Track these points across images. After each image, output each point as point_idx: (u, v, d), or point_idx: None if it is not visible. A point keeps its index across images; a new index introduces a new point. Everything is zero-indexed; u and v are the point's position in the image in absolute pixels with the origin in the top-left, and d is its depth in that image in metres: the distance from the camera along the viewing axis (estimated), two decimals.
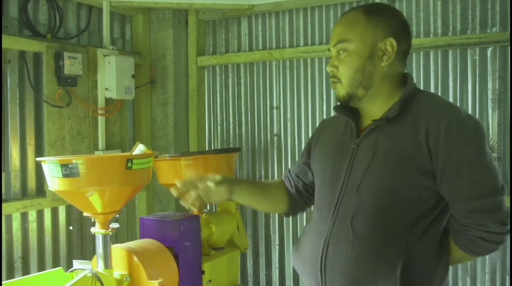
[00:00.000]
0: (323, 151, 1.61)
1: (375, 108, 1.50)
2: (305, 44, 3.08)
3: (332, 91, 3.00)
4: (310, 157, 1.70)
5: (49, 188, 1.90)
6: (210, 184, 1.55)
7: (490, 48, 2.59)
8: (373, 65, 1.46)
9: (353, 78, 1.46)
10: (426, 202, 1.41)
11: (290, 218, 3.14)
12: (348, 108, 1.57)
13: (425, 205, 1.41)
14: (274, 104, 3.20)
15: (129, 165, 1.85)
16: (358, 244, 1.41)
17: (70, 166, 1.79)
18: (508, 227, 1.37)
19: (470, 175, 1.36)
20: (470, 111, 2.64)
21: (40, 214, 2.67)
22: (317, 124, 2.57)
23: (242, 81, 3.30)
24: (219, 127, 3.40)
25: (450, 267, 2.69)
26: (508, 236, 1.40)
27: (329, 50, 1.54)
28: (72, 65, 2.66)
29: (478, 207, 1.36)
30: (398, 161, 1.39)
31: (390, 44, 1.45)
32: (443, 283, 1.47)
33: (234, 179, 1.84)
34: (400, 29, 1.49)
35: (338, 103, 1.58)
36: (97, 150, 2.91)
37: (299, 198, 1.78)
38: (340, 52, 1.47)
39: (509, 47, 2.54)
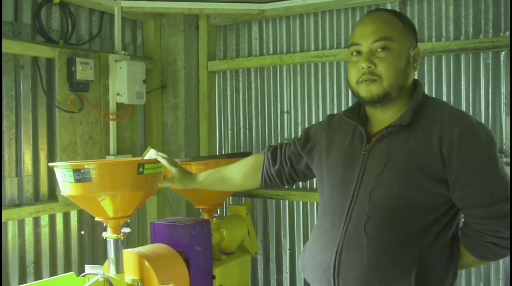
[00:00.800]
0: (332, 155, 1.59)
1: (388, 114, 1.50)
2: (316, 49, 3.07)
3: (343, 95, 2.99)
4: (313, 154, 1.68)
5: (61, 193, 1.90)
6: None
7: (503, 52, 2.57)
8: (409, 70, 1.48)
9: (396, 77, 1.43)
10: (438, 209, 1.43)
11: (301, 223, 3.13)
12: (356, 113, 1.58)
13: (437, 211, 1.43)
14: (285, 109, 3.20)
15: (141, 169, 1.85)
16: (372, 250, 1.42)
17: (82, 171, 1.79)
18: None
19: (483, 182, 1.38)
20: (483, 116, 2.62)
21: (52, 219, 2.68)
22: None
23: (253, 85, 3.30)
24: (229, 132, 3.40)
25: (464, 273, 2.68)
26: None
27: (351, 45, 1.49)
28: (84, 71, 2.68)
29: (492, 214, 1.38)
30: (411, 168, 1.40)
31: (418, 53, 1.50)
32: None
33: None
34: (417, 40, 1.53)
35: (359, 105, 1.59)
36: (109, 154, 2.92)
37: (274, 179, 1.80)
38: (380, 49, 1.43)
39: None
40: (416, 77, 2.78)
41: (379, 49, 1.43)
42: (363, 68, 1.44)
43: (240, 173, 1.89)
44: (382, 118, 1.51)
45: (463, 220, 1.50)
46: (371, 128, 1.55)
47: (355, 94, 1.51)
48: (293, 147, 1.77)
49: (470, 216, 1.42)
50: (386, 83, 1.43)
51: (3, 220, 2.36)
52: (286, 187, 1.86)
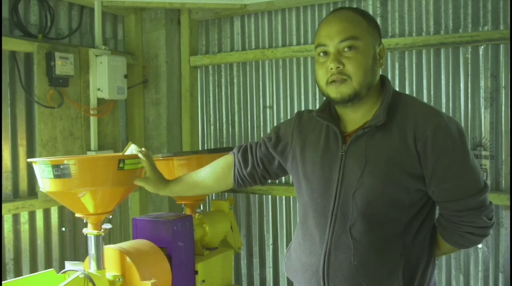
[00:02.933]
0: (308, 155, 1.58)
1: (360, 113, 1.51)
2: (298, 43, 3.07)
3: None
4: (286, 154, 1.67)
5: (40, 189, 1.88)
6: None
7: (482, 47, 2.60)
8: (376, 67, 1.48)
9: (365, 76, 1.44)
10: (417, 204, 1.48)
11: (284, 218, 3.14)
12: (327, 113, 1.58)
13: (416, 206, 1.48)
14: (267, 104, 3.20)
15: (121, 165, 1.84)
16: (359, 250, 1.45)
17: (61, 166, 1.77)
18: (493, 220, 1.48)
19: (457, 176, 1.43)
20: (462, 110, 2.65)
21: (32, 216, 2.65)
22: None
23: (235, 80, 3.30)
24: (212, 127, 3.39)
25: (444, 265, 2.73)
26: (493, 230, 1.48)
27: (318, 46, 1.48)
28: (63, 66, 2.65)
29: (467, 206, 1.43)
30: (390, 168, 1.43)
31: (383, 49, 1.51)
32: (433, 274, 1.56)
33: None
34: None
35: (334, 104, 1.57)
36: (90, 150, 2.89)
37: (247, 180, 1.79)
38: (347, 49, 1.43)
39: (503, 45, 2.55)
40: (397, 72, 2.83)
41: (346, 49, 1.43)
42: (331, 68, 1.44)
43: (211, 177, 1.85)
44: (354, 117, 1.52)
45: (438, 211, 1.54)
46: (344, 127, 1.55)
47: (324, 95, 1.50)
48: (263, 148, 1.74)
49: (446, 209, 1.47)
50: (356, 82, 1.43)
51: None
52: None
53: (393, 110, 1.47)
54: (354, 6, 2.83)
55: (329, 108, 1.61)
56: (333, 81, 1.45)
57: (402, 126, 1.44)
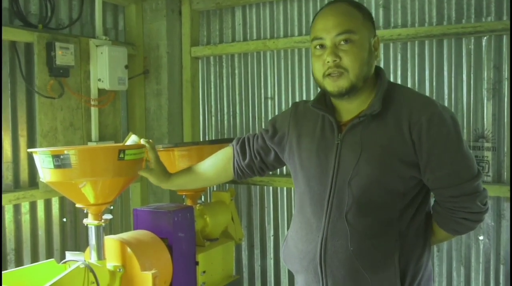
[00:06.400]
0: (304, 145, 1.62)
1: (355, 104, 1.54)
2: (300, 34, 3.05)
3: None
4: (283, 144, 1.71)
5: (41, 179, 1.88)
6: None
7: (485, 38, 2.58)
8: (372, 59, 1.51)
9: (361, 69, 1.46)
10: (411, 191, 1.51)
11: (285, 209, 3.14)
12: (322, 103, 1.61)
13: (411, 194, 1.51)
14: (269, 95, 3.19)
15: (121, 155, 1.83)
16: (355, 236, 1.48)
17: (61, 156, 1.77)
18: (487, 206, 1.52)
19: (452, 164, 1.46)
20: (465, 101, 2.63)
21: (33, 206, 2.65)
22: None
23: (237, 71, 3.28)
24: (213, 118, 3.38)
25: (445, 257, 2.73)
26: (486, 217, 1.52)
27: (314, 39, 1.50)
28: (64, 56, 2.63)
29: (462, 192, 1.46)
30: (385, 156, 1.46)
31: (377, 41, 1.54)
32: (429, 261, 1.59)
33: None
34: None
35: (326, 97, 1.61)
36: (91, 141, 2.89)
37: (246, 171, 1.83)
38: (343, 42, 1.45)
39: (506, 36, 2.53)
40: (399, 63, 2.81)
41: (342, 42, 1.46)
42: (328, 62, 1.46)
43: (211, 169, 1.90)
44: (349, 107, 1.55)
45: (433, 199, 1.57)
46: (340, 117, 1.58)
47: (321, 87, 1.53)
48: (260, 140, 1.80)
49: (441, 195, 1.51)
50: (353, 75, 1.46)
51: None
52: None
53: (388, 100, 1.49)
54: None
55: (324, 99, 1.63)
56: (330, 74, 1.47)
57: (397, 115, 1.47)
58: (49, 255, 2.73)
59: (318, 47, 1.50)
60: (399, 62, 2.79)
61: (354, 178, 1.47)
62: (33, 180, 2.66)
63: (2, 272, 1.82)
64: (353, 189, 1.47)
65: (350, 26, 1.46)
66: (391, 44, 2.79)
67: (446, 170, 1.45)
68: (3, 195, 2.46)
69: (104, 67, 2.84)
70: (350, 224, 1.47)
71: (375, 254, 1.47)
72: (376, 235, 1.48)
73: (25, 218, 2.61)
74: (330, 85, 1.48)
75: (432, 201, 1.60)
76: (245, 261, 3.30)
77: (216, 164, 1.89)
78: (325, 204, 1.52)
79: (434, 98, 2.47)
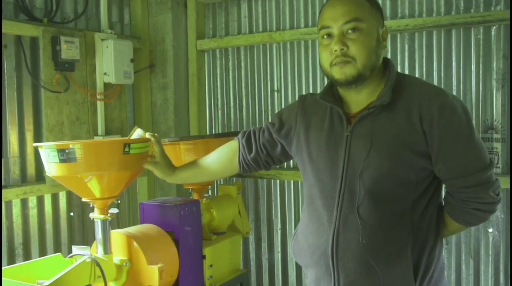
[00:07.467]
0: (313, 137, 1.60)
1: (363, 94, 1.52)
2: (306, 26, 3.03)
3: None
4: (291, 137, 1.69)
5: (46, 174, 1.88)
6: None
7: (494, 27, 2.54)
8: (380, 49, 1.49)
9: (369, 58, 1.44)
10: (423, 182, 1.48)
11: (293, 202, 3.13)
12: (330, 95, 1.58)
13: (422, 185, 1.48)
14: (275, 87, 3.17)
15: (127, 149, 1.82)
16: (367, 230, 1.46)
17: (67, 151, 1.76)
18: (500, 196, 1.49)
19: (463, 154, 1.44)
20: (474, 92, 2.60)
21: (40, 200, 2.66)
22: None
23: (243, 64, 3.26)
24: (219, 111, 3.37)
25: (454, 250, 2.70)
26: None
27: (321, 29, 1.48)
28: (69, 50, 2.63)
29: (473, 182, 1.44)
30: (396, 147, 1.44)
31: (386, 32, 1.52)
32: (441, 254, 1.56)
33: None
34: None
35: (331, 87, 1.59)
36: (97, 135, 2.89)
37: (252, 165, 1.82)
38: (351, 31, 1.44)
39: None
40: (406, 54, 2.78)
41: (350, 31, 1.44)
42: (335, 50, 1.44)
43: (217, 163, 1.89)
44: (357, 99, 1.53)
45: (445, 190, 1.55)
46: (348, 109, 1.56)
47: (329, 77, 1.51)
48: (267, 134, 1.78)
49: (453, 186, 1.49)
50: (360, 63, 1.44)
51: None
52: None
53: (397, 90, 1.47)
54: None
55: (332, 91, 1.61)
56: (338, 63, 1.45)
57: (407, 105, 1.45)
58: (57, 249, 2.74)
59: (325, 36, 1.48)
60: (406, 53, 2.75)
61: (365, 170, 1.45)
62: (40, 175, 2.67)
63: (11, 266, 1.83)
64: (365, 181, 1.45)
65: (357, 14, 1.44)
66: (399, 35, 2.75)
67: (457, 160, 1.43)
68: (10, 189, 2.47)
69: (110, 61, 2.84)
70: (362, 217, 1.45)
71: (387, 248, 1.45)
72: (388, 227, 1.45)
73: (33, 212, 2.62)
74: (338, 73, 1.46)
75: (443, 193, 1.57)
76: (252, 254, 3.30)
77: (222, 158, 1.88)
78: (336, 196, 1.50)
79: None
